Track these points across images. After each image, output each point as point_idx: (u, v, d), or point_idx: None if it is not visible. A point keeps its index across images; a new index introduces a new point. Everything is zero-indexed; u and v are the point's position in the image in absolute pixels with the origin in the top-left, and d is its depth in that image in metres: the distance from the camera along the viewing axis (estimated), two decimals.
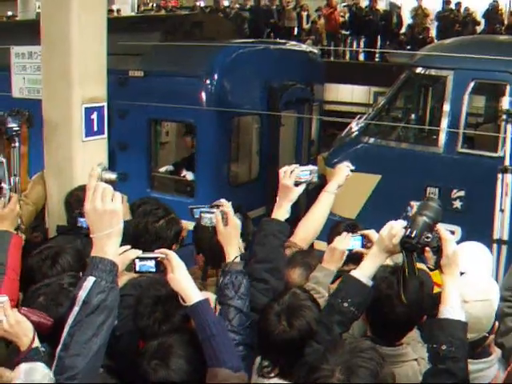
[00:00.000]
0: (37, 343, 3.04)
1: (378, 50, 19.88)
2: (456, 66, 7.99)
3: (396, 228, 3.01)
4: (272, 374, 3.10)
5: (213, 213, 3.42)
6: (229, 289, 3.19)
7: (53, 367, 2.51)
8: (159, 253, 3.05)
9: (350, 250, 3.72)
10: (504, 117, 7.56)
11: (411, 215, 3.05)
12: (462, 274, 3.51)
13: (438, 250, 2.94)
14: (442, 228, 2.97)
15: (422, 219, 2.96)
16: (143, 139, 9.38)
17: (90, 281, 2.51)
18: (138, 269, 3.08)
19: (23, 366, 2.53)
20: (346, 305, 3.07)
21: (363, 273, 3.10)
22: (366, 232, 3.76)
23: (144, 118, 9.23)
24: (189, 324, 3.23)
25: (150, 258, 3.05)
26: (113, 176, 2.67)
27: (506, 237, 6.45)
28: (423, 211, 3.01)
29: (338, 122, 11.22)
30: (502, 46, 8.92)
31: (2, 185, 4.39)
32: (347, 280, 3.15)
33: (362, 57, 21.96)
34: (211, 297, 3.49)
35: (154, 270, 3.06)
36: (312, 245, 4.41)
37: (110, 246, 2.59)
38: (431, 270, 3.13)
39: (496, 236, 6.42)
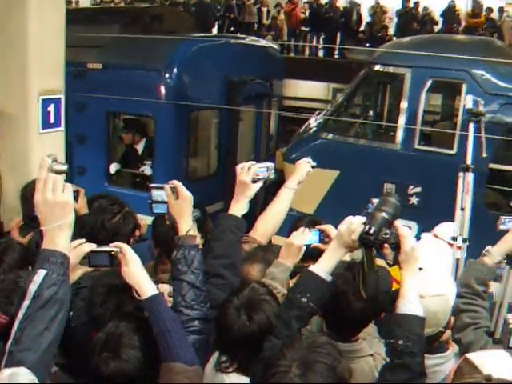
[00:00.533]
0: None
1: (337, 47, 19.99)
2: (414, 64, 8.09)
3: (355, 224, 2.98)
4: (230, 369, 3.09)
5: (162, 188, 3.36)
6: (181, 263, 3.15)
7: (3, 362, 2.44)
8: (114, 246, 3.02)
9: (308, 245, 3.69)
10: (461, 115, 7.75)
11: (370, 211, 3.04)
12: (420, 269, 3.57)
13: (397, 246, 2.94)
14: (400, 224, 2.97)
15: (380, 215, 2.95)
16: (101, 133, 9.27)
17: (41, 274, 2.46)
18: (91, 262, 3.08)
19: (6, 371, 2.41)
20: (304, 300, 3.03)
21: (322, 268, 3.07)
22: (323, 227, 3.73)
23: (102, 111, 9.12)
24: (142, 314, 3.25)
25: (104, 252, 3.03)
26: (63, 167, 2.61)
27: (465, 235, 6.54)
28: (382, 207, 2.99)
29: (296, 118, 11.26)
30: (459, 46, 9.08)
31: None
32: (306, 275, 3.12)
33: (321, 53, 22.03)
34: (166, 289, 3.48)
35: (107, 263, 3.05)
36: (270, 240, 4.40)
37: (61, 238, 2.54)
38: (390, 265, 3.14)
39: (455, 234, 6.50)
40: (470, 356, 2.78)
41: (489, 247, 4.09)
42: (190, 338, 3.00)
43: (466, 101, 6.71)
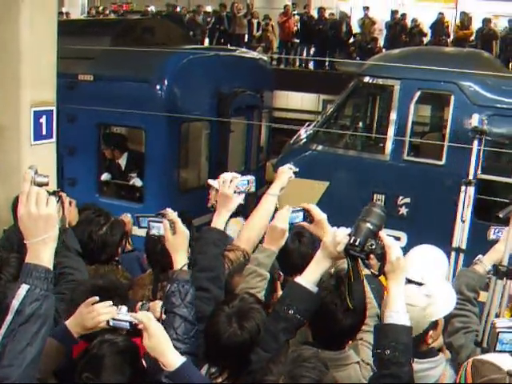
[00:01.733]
0: None
1: (327, 60, 20.06)
2: (402, 76, 8.16)
3: (340, 235, 2.98)
4: (219, 380, 3.09)
5: (161, 222, 3.42)
6: (175, 296, 3.18)
7: None
8: (134, 318, 2.95)
9: (293, 224, 3.68)
10: (449, 127, 7.83)
11: (356, 221, 3.03)
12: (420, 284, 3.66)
13: (382, 257, 2.94)
14: (385, 235, 2.98)
15: (365, 226, 2.95)
16: (92, 144, 9.29)
17: (24, 289, 2.42)
18: (111, 323, 3.05)
19: None
20: (291, 312, 3.04)
21: (308, 279, 3.08)
22: (306, 206, 3.69)
23: (93, 122, 9.14)
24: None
25: (125, 321, 2.99)
26: (45, 179, 2.60)
27: (464, 246, 6.62)
28: (367, 218, 2.99)
29: (287, 129, 11.31)
30: (447, 58, 9.17)
31: None
32: (292, 287, 3.14)
33: (311, 65, 22.11)
34: (159, 304, 3.52)
35: (128, 328, 2.99)
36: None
37: (45, 252, 2.49)
38: (375, 275, 3.15)
39: (455, 244, 6.59)
40: (483, 357, 2.84)
41: (480, 256, 4.19)
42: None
43: (472, 119, 6.82)
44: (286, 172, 4.32)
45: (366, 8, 22.83)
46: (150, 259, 4.68)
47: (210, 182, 5.65)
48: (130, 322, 2.95)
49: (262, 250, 3.68)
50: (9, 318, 2.41)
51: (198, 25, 23.50)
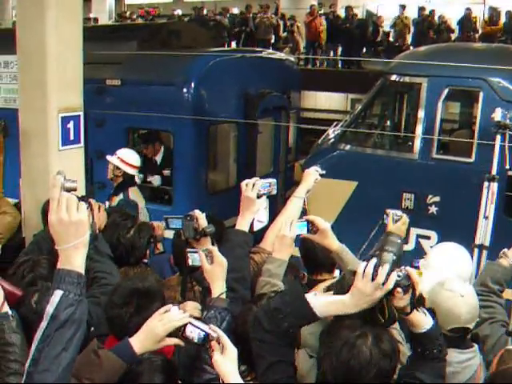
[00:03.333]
0: (6, 308, 3.13)
1: (354, 59, 19.96)
2: (430, 74, 8.08)
3: (368, 271, 2.72)
4: (249, 378, 3.11)
5: (197, 252, 3.50)
6: (213, 322, 3.17)
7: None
8: (213, 330, 2.84)
9: (297, 236, 3.70)
10: (478, 124, 7.73)
11: (376, 253, 2.81)
12: None
13: (407, 289, 2.73)
14: (410, 268, 2.79)
15: (389, 256, 2.76)
16: (120, 148, 9.35)
17: (58, 295, 2.45)
18: (189, 331, 2.92)
19: None
20: (285, 325, 2.85)
21: (318, 305, 2.83)
22: (310, 218, 3.68)
23: (121, 126, 9.22)
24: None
25: (201, 329, 2.87)
26: (74, 185, 2.62)
27: (487, 243, 6.54)
28: (387, 247, 2.80)
29: (315, 130, 11.29)
30: (475, 54, 9.04)
31: None
32: (297, 300, 2.88)
33: (339, 65, 22.05)
34: (197, 306, 3.53)
35: (201, 338, 2.86)
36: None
37: (76, 257, 2.52)
38: (406, 314, 2.83)
39: (478, 241, 6.51)
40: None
41: (505, 250, 4.18)
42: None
43: (495, 113, 6.73)
44: (312, 174, 4.35)
45: (403, 7, 22.64)
46: (177, 261, 4.71)
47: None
48: (206, 333, 2.83)
49: (272, 260, 3.71)
50: (44, 323, 2.44)
51: (224, 27, 23.54)
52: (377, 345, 2.63)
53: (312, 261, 4.49)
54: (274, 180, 3.90)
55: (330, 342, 2.69)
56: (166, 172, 9.48)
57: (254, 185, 3.79)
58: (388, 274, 2.67)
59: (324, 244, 3.67)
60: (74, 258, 2.51)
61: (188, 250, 3.58)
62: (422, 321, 2.83)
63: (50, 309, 2.44)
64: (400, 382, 2.90)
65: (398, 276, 2.70)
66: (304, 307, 2.80)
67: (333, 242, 3.65)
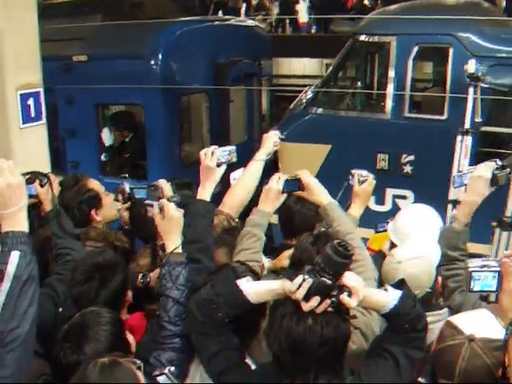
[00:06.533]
0: None
1: (321, 17, 19.78)
2: (399, 32, 8.01)
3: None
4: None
5: (152, 206, 3.45)
6: (166, 279, 3.16)
7: None
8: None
9: (289, 192, 3.70)
10: (449, 80, 7.69)
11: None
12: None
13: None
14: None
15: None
16: (91, 125, 9.25)
17: (16, 255, 2.53)
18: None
19: None
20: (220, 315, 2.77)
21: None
22: (300, 175, 3.68)
23: (91, 103, 9.11)
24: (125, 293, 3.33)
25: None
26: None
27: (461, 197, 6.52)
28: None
29: (291, 96, 11.20)
30: (444, 9, 8.95)
31: None
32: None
33: (313, 30, 21.88)
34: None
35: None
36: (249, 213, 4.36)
37: (24, 218, 2.63)
38: None
39: (451, 197, 6.49)
40: (451, 319, 2.77)
41: (454, 212, 4.11)
42: (169, 355, 3.01)
43: (468, 65, 6.68)
44: (271, 137, 4.31)
45: None
46: (140, 233, 4.69)
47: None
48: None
49: (256, 211, 3.69)
50: (6, 284, 2.51)
51: None
52: (319, 315, 2.50)
53: (288, 223, 4.47)
54: (234, 147, 3.80)
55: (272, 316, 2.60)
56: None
57: (212, 153, 3.69)
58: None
59: (312, 200, 3.65)
60: (22, 219, 2.62)
61: (146, 202, 3.50)
62: (381, 301, 2.70)
63: (10, 269, 2.51)
64: (369, 354, 2.83)
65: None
66: (237, 295, 2.72)
67: (322, 198, 3.62)
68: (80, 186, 4.68)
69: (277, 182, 3.64)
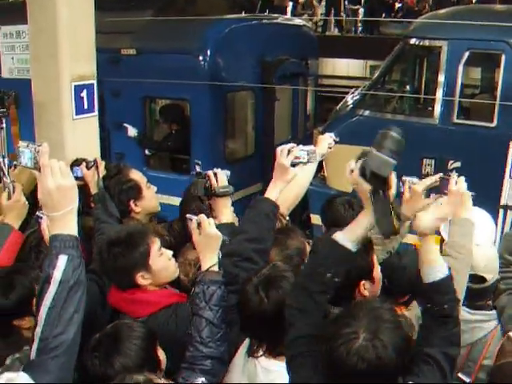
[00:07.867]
0: None
1: (370, 19, 19.68)
2: (450, 36, 7.92)
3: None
4: (260, 353, 3.01)
5: (191, 220, 3.30)
6: (200, 299, 3.08)
7: (33, 350, 2.48)
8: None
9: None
10: (500, 87, 7.59)
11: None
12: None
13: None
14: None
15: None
16: (137, 118, 9.32)
17: (63, 259, 2.47)
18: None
19: (6, 375, 2.42)
20: (329, 275, 2.68)
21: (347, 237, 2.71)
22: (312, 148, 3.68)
23: (138, 96, 9.18)
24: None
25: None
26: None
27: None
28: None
29: (334, 97, 11.17)
30: (497, 15, 8.83)
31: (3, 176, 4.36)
32: (331, 245, 2.73)
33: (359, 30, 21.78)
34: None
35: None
36: (309, 218, 4.35)
37: (73, 221, 2.56)
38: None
39: (503, 202, 6.44)
40: None
41: None
42: (199, 378, 2.94)
43: None
44: (326, 139, 4.28)
45: None
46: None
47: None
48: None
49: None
50: (52, 288, 2.46)
51: None
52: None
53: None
54: (314, 148, 3.67)
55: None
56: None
57: (289, 151, 3.57)
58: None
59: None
60: (71, 222, 2.55)
61: (188, 215, 3.40)
62: (434, 261, 2.72)
63: (56, 274, 2.47)
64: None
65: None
66: (336, 248, 2.66)
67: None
68: (121, 176, 4.68)
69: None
